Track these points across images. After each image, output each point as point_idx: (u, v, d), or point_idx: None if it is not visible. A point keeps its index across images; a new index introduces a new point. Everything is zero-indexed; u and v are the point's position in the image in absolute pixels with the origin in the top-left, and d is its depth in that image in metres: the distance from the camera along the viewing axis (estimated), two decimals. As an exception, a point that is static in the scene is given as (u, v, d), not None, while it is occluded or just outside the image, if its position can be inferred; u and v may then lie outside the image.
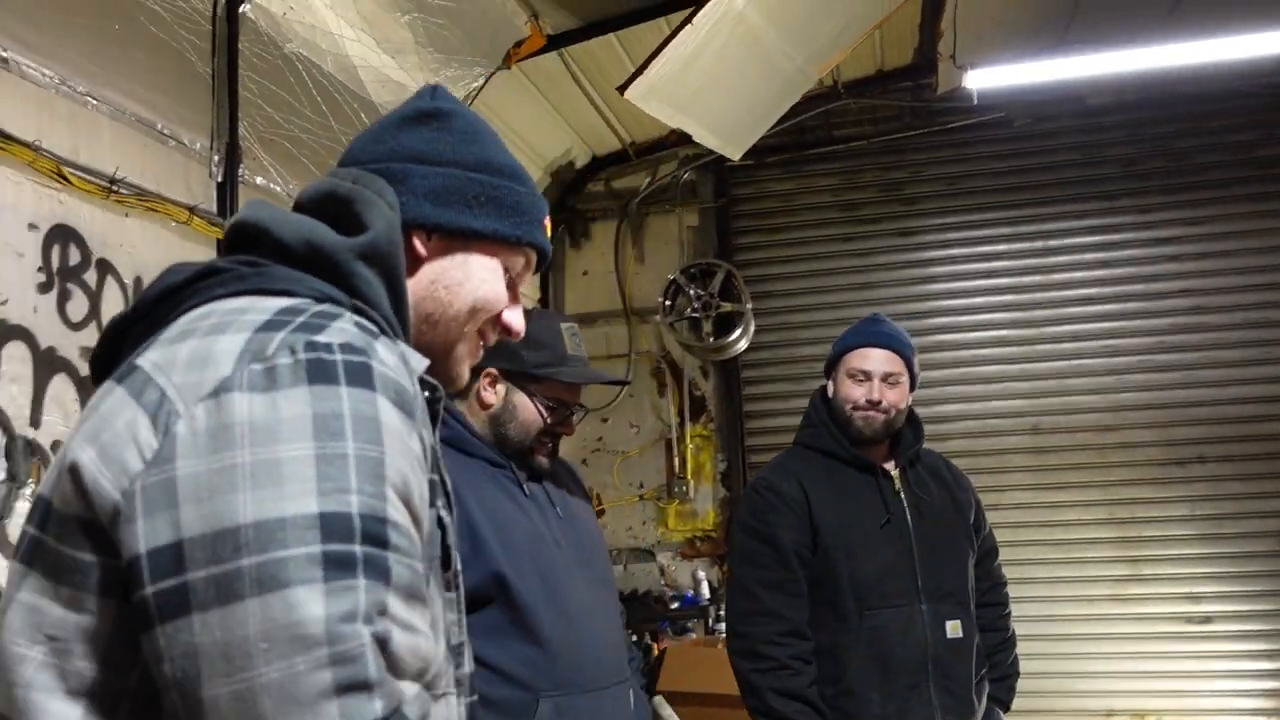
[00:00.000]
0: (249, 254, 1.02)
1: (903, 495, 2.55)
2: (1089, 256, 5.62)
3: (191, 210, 3.03)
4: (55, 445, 2.48)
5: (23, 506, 2.36)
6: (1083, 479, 5.47)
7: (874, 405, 2.53)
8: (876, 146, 5.89)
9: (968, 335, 5.71)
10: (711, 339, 5.61)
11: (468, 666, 1.11)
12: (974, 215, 5.78)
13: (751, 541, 2.50)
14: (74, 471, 0.86)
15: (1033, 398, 5.59)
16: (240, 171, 3.33)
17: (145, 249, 2.87)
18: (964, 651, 2.47)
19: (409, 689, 0.87)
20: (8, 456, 2.32)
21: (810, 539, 2.47)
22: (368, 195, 1.06)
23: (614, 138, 5.91)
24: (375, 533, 0.83)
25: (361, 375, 0.87)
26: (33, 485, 2.38)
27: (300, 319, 0.90)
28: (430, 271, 1.12)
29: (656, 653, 4.90)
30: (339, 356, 0.87)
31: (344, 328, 0.91)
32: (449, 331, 1.14)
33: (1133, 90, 5.54)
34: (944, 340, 5.73)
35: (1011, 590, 5.33)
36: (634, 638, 2.42)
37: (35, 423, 2.43)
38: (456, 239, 1.13)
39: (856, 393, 2.54)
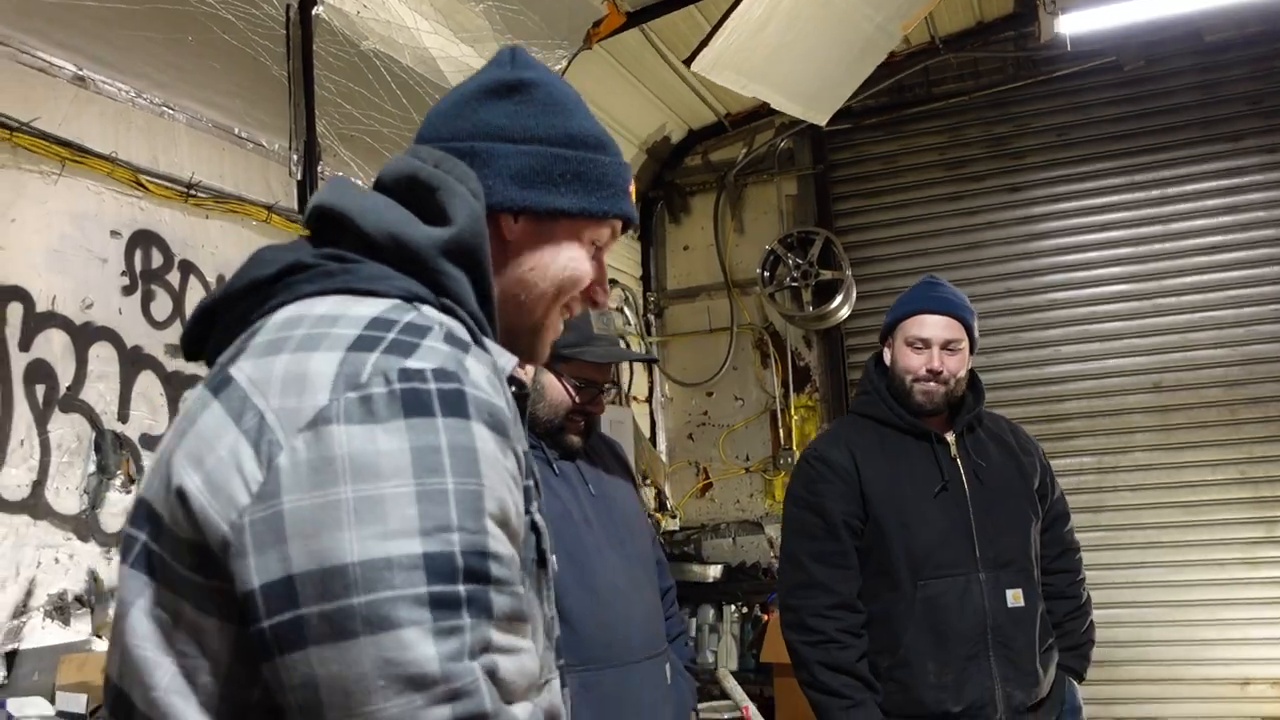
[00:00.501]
0: (335, 244, 1.02)
1: (959, 461, 2.48)
2: (1211, 203, 5.31)
3: (270, 209, 3.17)
4: (143, 438, 2.65)
5: (113, 497, 2.54)
6: (1211, 437, 5.20)
7: (934, 375, 2.46)
8: (980, 101, 5.69)
9: (1082, 292, 5.48)
10: (812, 308, 5.55)
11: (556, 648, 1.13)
12: (1085, 166, 5.53)
13: (801, 512, 2.48)
14: (181, 497, 0.88)
15: (1154, 354, 5.33)
16: (321, 169, 3.47)
17: (227, 248, 3.03)
18: (1026, 620, 2.40)
19: (522, 711, 0.89)
20: (98, 450, 2.50)
21: (861, 509, 2.44)
22: (451, 183, 1.04)
23: (707, 110, 5.88)
24: (477, 569, 0.85)
25: (456, 404, 0.87)
26: (121, 476, 2.55)
27: (391, 336, 0.90)
28: (518, 253, 1.12)
29: (765, 622, 4.92)
30: (433, 385, 0.87)
31: (435, 347, 0.90)
32: (535, 312, 1.13)
33: (1255, 22, 5.19)
34: (1057, 299, 5.51)
35: (1135, 555, 5.24)
36: (678, 612, 2.42)
37: (123, 418, 2.60)
38: (544, 219, 1.12)
39: (915, 362, 2.48)
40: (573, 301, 1.16)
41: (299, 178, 3.35)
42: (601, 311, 2.21)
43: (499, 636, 0.86)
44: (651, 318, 6.08)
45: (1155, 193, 5.40)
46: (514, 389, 1.02)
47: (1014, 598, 2.38)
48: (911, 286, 2.66)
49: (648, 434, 5.90)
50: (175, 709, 0.88)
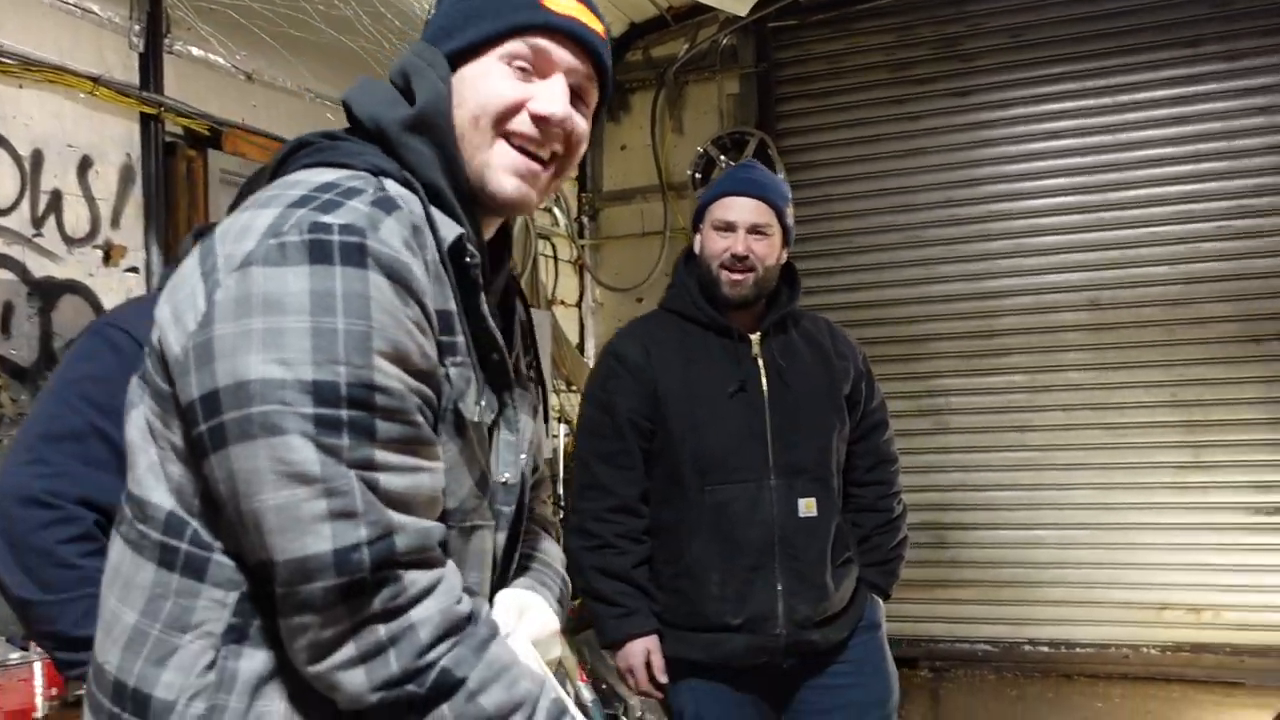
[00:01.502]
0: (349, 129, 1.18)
1: (761, 361, 2.33)
2: (1164, 112, 5.04)
3: (96, 80, 3.00)
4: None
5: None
6: (1146, 358, 5.02)
7: (740, 260, 2.30)
8: (932, -1, 5.41)
9: (1025, 204, 5.26)
10: (743, 212, 5.35)
11: (507, 503, 1.22)
12: (1038, 71, 5.26)
13: (592, 410, 2.35)
14: (159, 323, 1.05)
15: (1093, 269, 5.13)
16: (170, 43, 3.29)
17: (44, 120, 2.88)
18: (819, 532, 2.28)
19: (417, 521, 1.01)
20: None
21: (651, 408, 2.30)
22: (420, 66, 1.17)
23: (650, 3, 5.62)
24: (360, 398, 0.98)
25: (355, 255, 1.00)
26: None
27: (324, 198, 1.03)
28: (464, 90, 1.18)
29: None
30: (336, 238, 0.99)
31: (355, 207, 1.02)
32: (468, 150, 1.17)
33: (1222, -83, 4.87)
34: (998, 209, 5.30)
35: (1062, 476, 5.10)
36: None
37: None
38: (463, 66, 1.19)
39: (720, 245, 2.31)
40: (512, 127, 1.17)
41: (140, 50, 3.17)
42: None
43: (384, 456, 0.99)
44: (585, 220, 5.90)
45: (1107, 100, 5.14)
46: (467, 259, 1.12)
47: (806, 507, 2.26)
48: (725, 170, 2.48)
49: (576, 340, 5.77)
50: (149, 487, 1.07)
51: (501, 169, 1.17)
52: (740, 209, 2.31)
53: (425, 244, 1.07)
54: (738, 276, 2.31)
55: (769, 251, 2.32)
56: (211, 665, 1.04)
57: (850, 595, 2.37)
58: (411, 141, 1.13)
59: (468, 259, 1.12)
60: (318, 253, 0.99)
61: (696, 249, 2.40)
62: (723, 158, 5.37)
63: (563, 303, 5.67)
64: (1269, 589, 4.79)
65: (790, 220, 2.38)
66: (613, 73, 1.26)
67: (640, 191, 5.84)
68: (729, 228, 2.31)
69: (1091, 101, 5.16)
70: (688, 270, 2.42)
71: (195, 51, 3.43)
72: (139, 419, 1.10)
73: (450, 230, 1.11)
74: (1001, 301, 5.27)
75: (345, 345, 0.98)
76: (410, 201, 1.08)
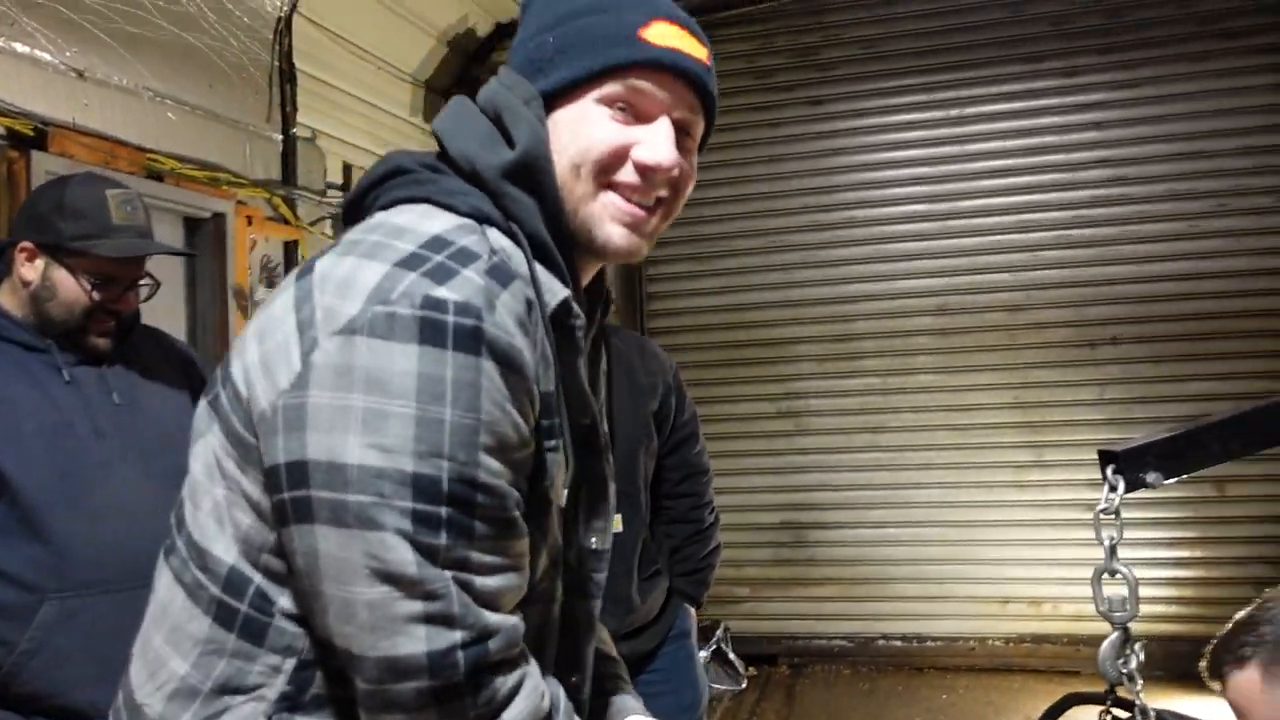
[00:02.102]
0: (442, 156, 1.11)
1: None
2: (1007, 125, 5.26)
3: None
4: None
5: None
6: (990, 361, 5.23)
7: None
8: (792, 8, 5.52)
9: (878, 210, 5.42)
10: (606, 216, 5.39)
11: (598, 569, 1.22)
12: (889, 82, 5.42)
13: None
14: (244, 365, 1.01)
15: (941, 276, 5.32)
16: (-11, 39, 3.17)
17: None
18: (625, 548, 2.31)
19: (505, 620, 0.98)
20: None
21: None
22: (512, 102, 1.09)
23: (515, 4, 5.61)
24: (461, 496, 0.94)
25: (470, 340, 0.93)
26: None
27: (437, 259, 0.96)
28: (561, 135, 1.10)
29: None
30: (451, 318, 0.93)
31: (471, 279, 0.96)
32: (569, 200, 1.10)
33: (1062, -60, 5.09)
34: (854, 217, 5.45)
35: (913, 476, 5.28)
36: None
37: None
38: (557, 106, 1.10)
39: None
40: (617, 176, 1.11)
41: (-49, 47, 3.05)
42: (128, 198, 2.02)
43: (480, 556, 0.96)
44: (451, 221, 5.87)
45: (954, 112, 5.33)
46: (573, 321, 1.07)
47: (614, 523, 2.30)
48: None
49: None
50: (209, 532, 1.04)
51: (609, 219, 1.11)
52: None
53: (535, 318, 1.01)
54: None
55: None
56: None
57: (660, 606, 2.42)
58: (512, 191, 1.06)
59: (573, 321, 1.07)
60: (429, 332, 0.93)
61: None
62: (586, 162, 5.39)
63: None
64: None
65: None
66: (717, 96, 1.18)
67: (506, 193, 5.82)
68: None
69: (939, 113, 5.34)
70: None
71: (20, 48, 3.31)
72: (205, 452, 1.05)
73: (555, 294, 1.04)
74: (857, 306, 5.42)
75: (451, 439, 0.93)
76: (517, 261, 1.02)
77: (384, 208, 1.07)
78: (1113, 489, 1.66)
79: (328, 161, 4.62)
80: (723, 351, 5.55)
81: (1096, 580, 1.66)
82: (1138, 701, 1.59)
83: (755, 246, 5.57)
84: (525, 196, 1.06)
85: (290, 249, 4.26)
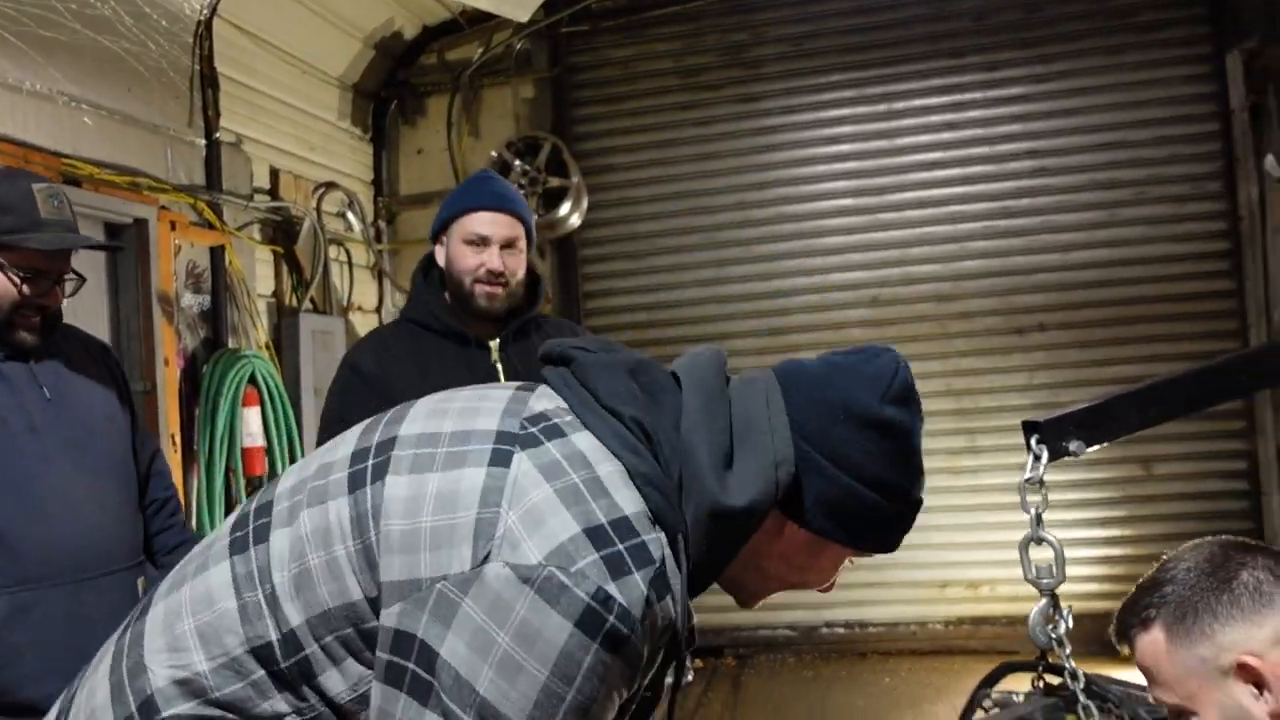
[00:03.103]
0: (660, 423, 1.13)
1: (500, 368, 2.37)
2: (934, 119, 5.35)
3: None
4: None
5: None
6: (922, 350, 5.30)
7: (496, 276, 2.34)
8: (718, 7, 5.55)
9: (810, 205, 5.49)
10: (539, 215, 5.38)
11: None
12: (818, 79, 5.49)
13: (331, 424, 2.33)
14: (412, 501, 1.08)
15: (873, 268, 5.40)
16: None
17: None
18: None
19: None
20: None
21: None
22: (767, 466, 1.10)
23: (442, 6, 5.58)
24: None
25: (614, 644, 1.03)
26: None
27: (620, 548, 1.04)
28: (782, 547, 1.17)
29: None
30: (611, 620, 1.02)
31: (638, 585, 1.04)
32: (761, 591, 1.24)
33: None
34: (785, 212, 5.51)
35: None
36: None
37: None
38: (819, 538, 1.17)
39: (473, 261, 2.34)
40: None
41: None
42: (53, 192, 2.00)
43: None
44: (382, 224, 5.82)
45: (882, 107, 5.41)
46: (683, 645, 1.15)
47: None
48: (463, 183, 2.51)
49: (376, 345, 5.67)
50: (287, 588, 1.10)
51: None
52: (493, 224, 2.35)
53: (667, 635, 1.10)
54: (493, 289, 2.35)
55: (520, 265, 2.38)
56: None
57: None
58: (712, 528, 1.10)
59: (684, 645, 1.16)
60: (588, 622, 1.02)
61: (441, 261, 2.41)
62: (517, 162, 5.38)
63: (360, 309, 5.57)
64: (1035, 563, 5.13)
65: (534, 231, 2.44)
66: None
67: (437, 195, 5.76)
68: (482, 242, 2.34)
69: (868, 108, 5.42)
70: (427, 281, 2.44)
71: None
72: (326, 516, 1.12)
73: (683, 622, 1.11)
74: (790, 299, 5.48)
75: (565, 713, 1.03)
76: (673, 574, 1.09)
77: (601, 408, 1.13)
78: (1037, 458, 1.70)
79: (254, 166, 4.56)
80: (659, 348, 5.56)
81: (1024, 548, 1.70)
82: (1068, 665, 1.63)
83: (689, 244, 5.60)
84: (718, 541, 1.11)
85: (217, 254, 4.19)
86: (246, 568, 1.14)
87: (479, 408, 1.18)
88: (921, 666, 5.14)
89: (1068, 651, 1.63)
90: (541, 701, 1.01)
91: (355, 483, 1.13)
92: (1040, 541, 1.68)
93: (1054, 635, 1.65)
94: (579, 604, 1.01)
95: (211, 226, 4.16)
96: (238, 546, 1.16)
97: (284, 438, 4.18)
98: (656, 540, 1.07)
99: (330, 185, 5.17)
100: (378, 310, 5.75)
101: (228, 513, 3.95)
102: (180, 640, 1.13)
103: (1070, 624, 1.65)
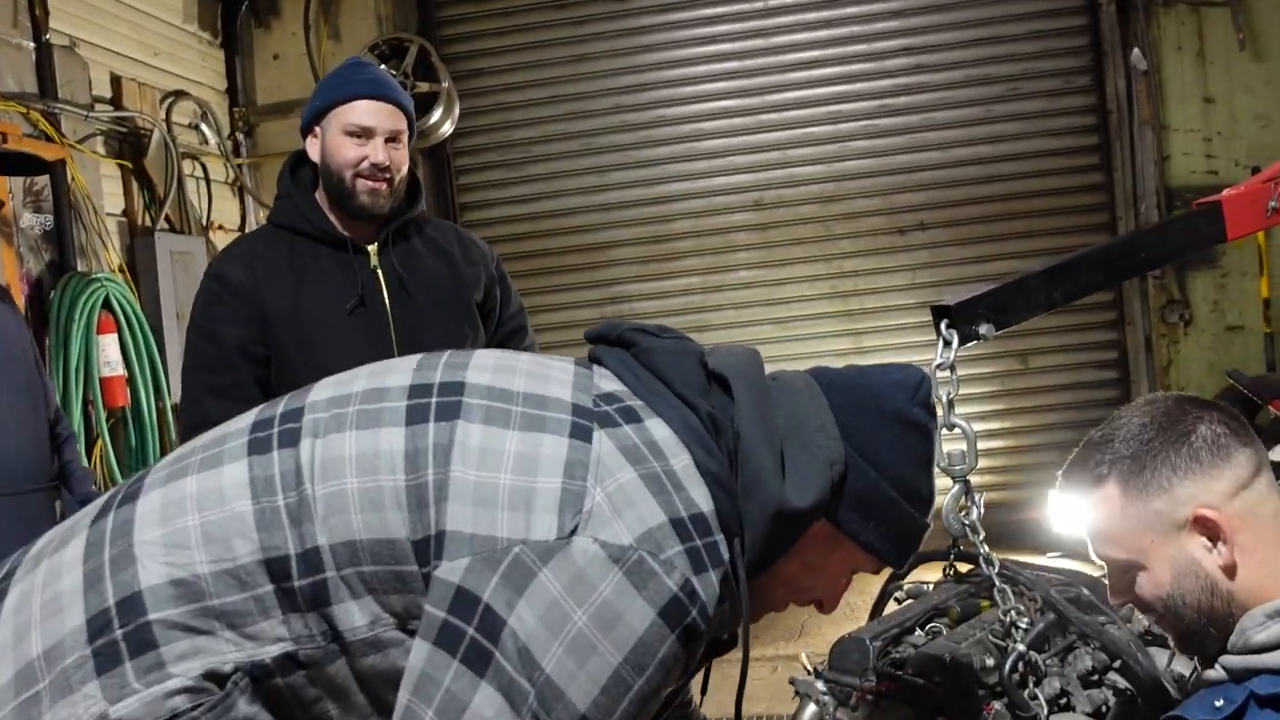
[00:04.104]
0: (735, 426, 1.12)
1: (380, 273, 2.21)
2: (811, 16, 5.25)
3: None
4: None
5: None
6: (807, 253, 5.29)
7: (381, 170, 2.16)
8: (588, -103, 5.31)
9: (689, 108, 5.36)
10: (409, 124, 5.12)
11: None
12: (693, -26, 5.31)
13: (197, 341, 2.16)
14: (489, 455, 1.04)
15: (756, 171, 5.32)
16: None
17: None
18: None
19: None
20: None
21: (262, 332, 2.14)
22: (822, 467, 1.11)
23: (293, -105, 5.20)
24: None
25: (689, 636, 1.03)
26: None
27: (700, 542, 1.04)
28: (805, 548, 1.16)
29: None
30: (691, 612, 1.02)
31: (713, 583, 1.05)
32: (784, 602, 1.23)
33: None
34: (665, 115, 5.37)
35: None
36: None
37: None
38: (842, 536, 1.17)
39: (354, 154, 2.16)
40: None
41: None
42: None
43: None
44: (240, 136, 5.46)
45: (760, 4, 5.28)
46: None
47: None
48: (336, 69, 2.30)
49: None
50: (318, 508, 1.04)
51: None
52: (377, 114, 2.17)
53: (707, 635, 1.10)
54: (377, 185, 2.18)
55: (404, 160, 2.23)
56: None
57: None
58: (769, 529, 1.10)
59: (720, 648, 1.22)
60: (671, 611, 1.01)
61: (315, 155, 2.22)
62: (383, 66, 5.07)
63: (222, 228, 5.23)
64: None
65: (415, 125, 2.26)
66: None
67: (299, 104, 5.40)
68: (365, 134, 2.16)
69: (745, 6, 5.28)
70: (296, 180, 2.25)
71: None
72: (379, 442, 1.07)
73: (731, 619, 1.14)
74: (673, 205, 5.37)
75: (628, 703, 1.01)
76: (738, 588, 1.10)
77: (676, 395, 1.11)
78: (947, 344, 1.65)
79: (92, 73, 4.18)
80: (541, 259, 5.42)
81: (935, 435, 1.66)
82: (981, 550, 1.60)
83: (567, 150, 5.43)
84: (774, 540, 1.11)
85: (57, 169, 3.85)
86: (266, 471, 1.06)
87: (547, 375, 1.15)
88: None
89: (981, 537, 1.60)
90: (609, 688, 0.99)
91: (416, 416, 1.08)
92: (952, 428, 1.63)
93: (967, 522, 1.61)
94: (666, 592, 1.01)
95: (49, 139, 3.80)
96: (258, 447, 1.08)
97: (146, 365, 3.92)
98: (724, 542, 1.08)
99: (179, 94, 4.80)
100: (241, 229, 5.42)
101: (88, 448, 3.70)
102: (180, 536, 1.04)
103: (983, 510, 1.62)
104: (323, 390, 1.16)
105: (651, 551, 1.01)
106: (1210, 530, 1.19)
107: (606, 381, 1.15)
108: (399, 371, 1.16)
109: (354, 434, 1.07)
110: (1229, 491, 1.19)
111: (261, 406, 1.19)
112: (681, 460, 1.08)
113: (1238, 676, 1.16)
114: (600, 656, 0.98)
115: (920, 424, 1.18)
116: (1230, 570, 1.18)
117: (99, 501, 1.13)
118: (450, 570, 1.00)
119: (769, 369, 1.22)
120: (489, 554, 1.00)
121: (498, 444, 1.05)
